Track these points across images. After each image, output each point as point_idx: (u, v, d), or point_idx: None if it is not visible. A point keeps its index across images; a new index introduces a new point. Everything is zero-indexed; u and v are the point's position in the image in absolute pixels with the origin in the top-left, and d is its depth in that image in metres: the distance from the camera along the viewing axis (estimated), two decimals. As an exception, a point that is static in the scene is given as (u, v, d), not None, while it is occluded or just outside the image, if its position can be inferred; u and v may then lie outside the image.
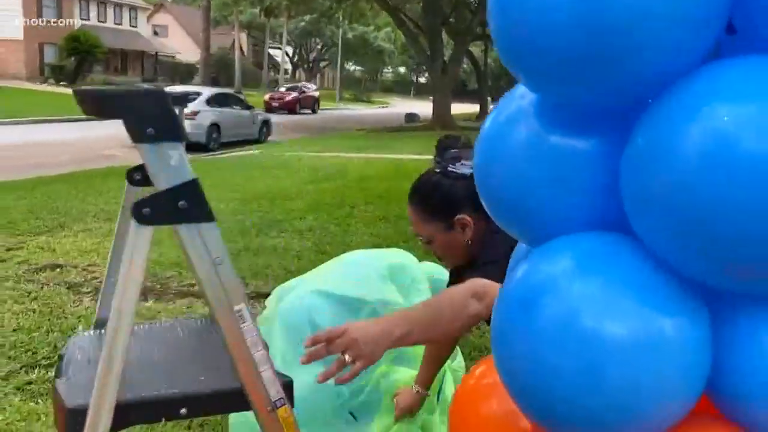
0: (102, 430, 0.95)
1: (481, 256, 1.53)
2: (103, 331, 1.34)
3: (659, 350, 0.62)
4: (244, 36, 48.25)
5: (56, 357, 3.03)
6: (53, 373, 1.24)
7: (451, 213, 1.59)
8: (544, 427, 0.70)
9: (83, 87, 1.15)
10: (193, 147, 13.02)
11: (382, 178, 9.60)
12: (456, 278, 1.64)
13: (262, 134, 17.37)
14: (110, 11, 38.99)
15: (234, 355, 1.01)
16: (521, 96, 0.77)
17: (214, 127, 14.99)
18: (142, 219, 0.92)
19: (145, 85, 0.94)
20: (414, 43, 24.12)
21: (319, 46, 54.69)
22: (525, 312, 0.67)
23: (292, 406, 1.06)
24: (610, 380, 0.62)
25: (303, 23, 42.52)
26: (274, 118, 19.30)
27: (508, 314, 0.69)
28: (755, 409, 0.63)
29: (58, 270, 4.38)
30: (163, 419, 1.06)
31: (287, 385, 1.06)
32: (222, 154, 13.94)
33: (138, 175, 1.26)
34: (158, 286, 4.26)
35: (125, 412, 0.98)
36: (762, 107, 0.55)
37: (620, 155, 0.66)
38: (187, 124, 12.94)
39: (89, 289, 4.07)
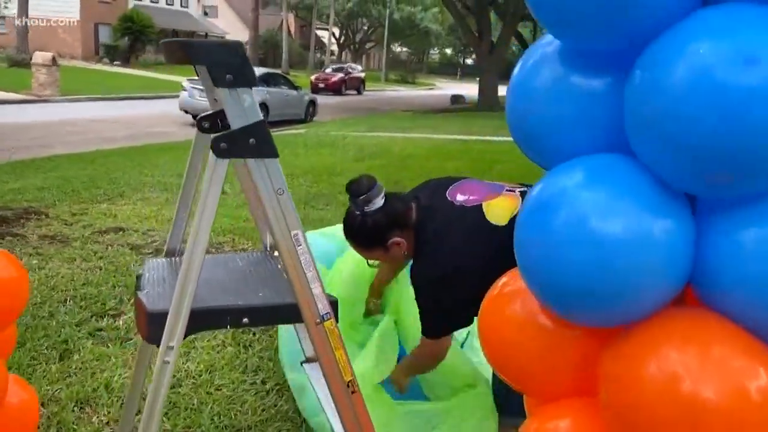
0: (179, 331, 1.13)
1: (418, 255, 1.90)
2: (171, 258, 1.53)
3: (651, 246, 0.75)
4: (291, 17, 48.57)
5: (121, 308, 3.29)
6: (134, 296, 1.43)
7: (383, 240, 1.89)
8: (560, 313, 0.84)
9: (172, 39, 1.34)
10: (241, 125, 13.33)
11: (426, 157, 9.72)
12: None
13: (308, 114, 17.63)
14: (161, -9, 39.80)
15: (289, 274, 1.17)
16: (546, 44, 0.91)
17: (262, 106, 15.29)
18: (219, 153, 1.09)
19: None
20: (461, 23, 23.94)
21: (365, 27, 54.66)
22: (543, 217, 0.81)
23: (337, 321, 1.22)
24: (612, 271, 0.76)
25: (350, 4, 42.57)
26: (320, 99, 19.54)
27: (529, 221, 0.84)
28: (727, 297, 0.76)
29: (120, 233, 4.67)
30: (228, 326, 1.24)
31: (333, 303, 1.22)
32: (274, 131, 14.22)
33: (206, 123, 1.44)
34: (215, 250, 4.50)
35: (197, 319, 1.15)
36: (733, 44, 0.67)
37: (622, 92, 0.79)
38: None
39: (150, 251, 4.33)
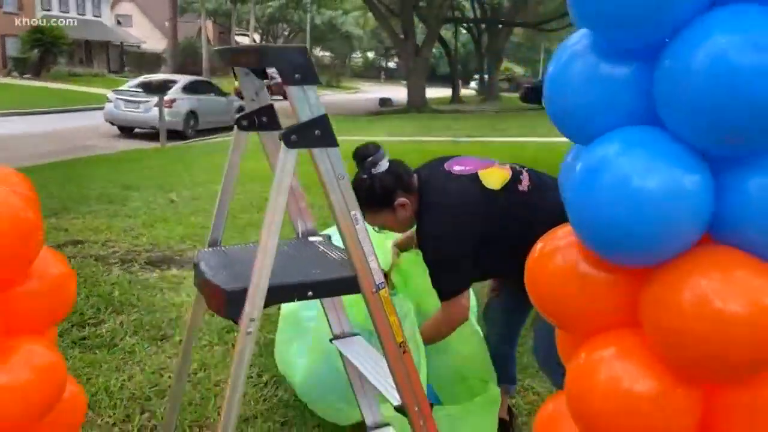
0: (258, 305, 1.26)
1: (422, 216, 2.04)
2: (217, 247, 1.65)
3: (682, 197, 0.95)
4: (209, 24, 47.73)
5: (101, 317, 3.29)
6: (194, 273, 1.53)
7: (390, 201, 2.02)
8: (609, 257, 1.04)
9: (244, 45, 1.46)
10: (170, 135, 13.12)
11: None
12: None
13: (238, 121, 17.47)
14: (72, 1, 38.30)
15: (349, 248, 1.33)
16: (574, 44, 1.11)
17: (191, 114, 15.06)
18: (289, 144, 1.23)
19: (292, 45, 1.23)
20: (386, 25, 24.27)
21: (286, 32, 54.40)
22: (591, 180, 1.00)
23: (390, 288, 1.38)
24: (651, 219, 0.96)
25: (270, 9, 42.26)
26: (249, 105, 19.37)
27: (579, 184, 1.03)
28: (741, 234, 0.98)
29: (79, 246, 4.61)
30: (296, 299, 1.37)
31: (385, 274, 1.38)
32: (203, 140, 14.05)
33: (245, 122, 1.57)
34: (178, 257, 4.53)
35: (272, 294, 1.28)
36: (742, 36, 0.89)
37: (649, 78, 1.00)
38: (165, 113, 13.03)
39: (115, 260, 4.32)
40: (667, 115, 0.98)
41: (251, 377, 2.82)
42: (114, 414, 2.50)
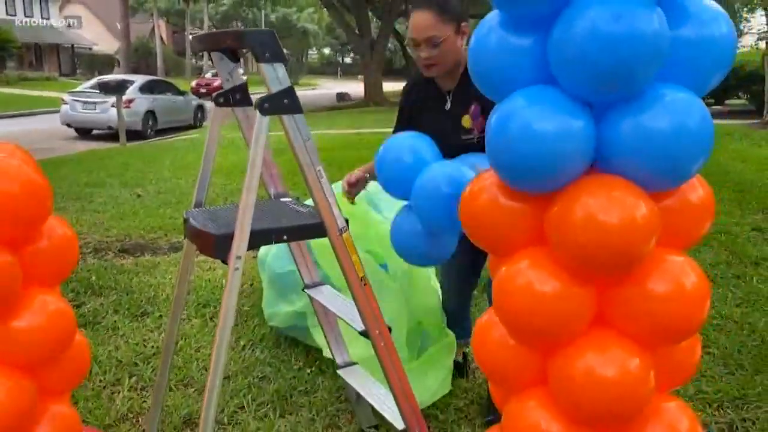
0: (243, 246, 1.53)
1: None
2: (201, 208, 1.90)
3: (571, 136, 1.25)
4: (162, 23, 47.16)
5: (81, 299, 3.49)
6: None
7: (459, 19, 2.01)
8: (516, 186, 1.34)
9: (220, 30, 1.71)
10: (129, 135, 13.13)
11: (330, 149, 10.15)
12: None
13: (197, 120, 17.52)
14: (19, 3, 37.45)
15: (315, 197, 1.60)
16: (489, 20, 1.40)
17: (150, 114, 15.08)
18: (263, 111, 1.49)
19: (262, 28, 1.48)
20: (341, 21, 24.44)
21: (241, 31, 53.98)
22: (503, 124, 1.30)
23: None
24: (549, 154, 1.26)
25: (224, 7, 41.98)
26: (207, 104, 19.43)
27: (495, 129, 1.32)
28: (617, 163, 1.29)
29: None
30: (273, 242, 1.63)
31: (346, 220, 1.65)
32: (163, 139, 14.07)
33: (221, 99, 1.82)
34: (151, 244, 4.72)
35: (253, 237, 1.55)
36: (603, 10, 1.19)
37: (545, 46, 1.30)
38: (124, 113, 13.04)
39: (89, 250, 4.50)
40: (558, 74, 1.28)
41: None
42: (105, 378, 2.72)
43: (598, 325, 1.39)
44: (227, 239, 1.53)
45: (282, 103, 1.50)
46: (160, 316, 3.40)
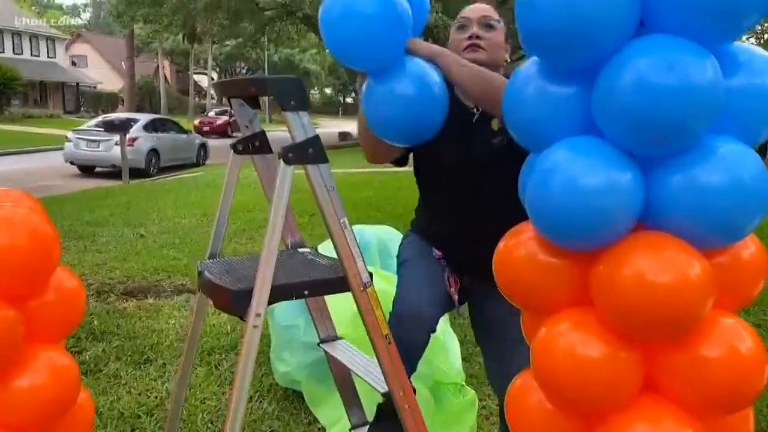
0: (263, 302, 1.44)
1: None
2: (216, 258, 1.81)
3: (616, 191, 1.18)
4: (166, 63, 47.79)
5: (82, 345, 3.37)
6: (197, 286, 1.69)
7: (507, 29, 1.94)
8: (562, 243, 1.25)
9: (243, 77, 1.64)
10: (132, 173, 13.12)
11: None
12: None
13: (200, 158, 17.54)
14: (26, 43, 37.99)
15: (339, 250, 1.51)
16: (527, 68, 1.34)
17: (153, 152, 15.09)
18: (287, 161, 1.42)
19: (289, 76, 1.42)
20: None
21: (244, 70, 54.73)
22: (544, 181, 1.22)
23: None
24: (592, 210, 1.18)
25: (228, 48, 42.57)
26: (210, 142, 19.48)
27: (536, 184, 1.24)
28: (666, 221, 1.20)
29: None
30: (294, 297, 1.54)
31: (370, 274, 1.57)
32: (166, 177, 14.05)
33: (240, 147, 1.75)
34: (154, 287, 4.62)
35: (272, 292, 1.46)
36: (654, 60, 1.12)
37: (588, 96, 1.23)
38: (127, 151, 13.06)
39: (90, 293, 4.39)
40: (603, 126, 1.20)
41: (236, 394, 2.94)
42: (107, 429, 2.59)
43: (647, 392, 1.29)
44: (246, 295, 1.44)
45: (307, 153, 1.43)
46: (164, 363, 3.28)
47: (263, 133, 1.74)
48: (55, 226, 1.58)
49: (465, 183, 1.95)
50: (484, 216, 1.93)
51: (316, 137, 1.44)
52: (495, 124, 1.90)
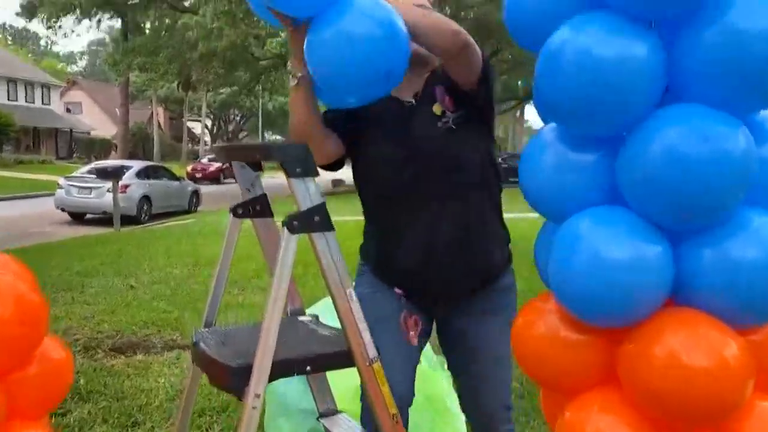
0: (263, 381, 1.34)
1: None
2: (212, 327, 1.71)
3: (645, 266, 1.10)
4: (161, 110, 48.16)
5: (66, 407, 3.22)
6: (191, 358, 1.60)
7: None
8: (587, 320, 1.17)
9: (247, 143, 1.57)
10: (123, 220, 13.01)
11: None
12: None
13: (192, 204, 17.48)
14: (21, 90, 38.24)
15: (344, 324, 1.42)
16: (545, 134, 1.28)
17: (145, 199, 15.03)
18: (292, 229, 1.34)
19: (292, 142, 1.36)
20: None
21: (237, 117, 55.22)
22: (567, 255, 1.15)
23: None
24: (619, 286, 1.11)
25: (222, 95, 43.03)
26: (203, 189, 19.42)
27: (557, 259, 1.17)
28: (698, 298, 1.13)
29: (40, 335, 4.51)
30: (295, 374, 1.44)
31: (377, 349, 1.48)
32: (158, 224, 13.94)
33: (240, 210, 1.68)
34: (143, 342, 4.47)
35: (273, 369, 1.36)
36: (686, 130, 1.07)
37: (611, 164, 1.17)
38: (119, 198, 12.97)
39: (77, 348, 4.24)
40: (630, 197, 1.14)
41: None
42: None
43: (680, 483, 1.19)
44: (245, 372, 1.34)
45: (312, 221, 1.35)
46: (153, 427, 3.13)
47: (265, 196, 1.67)
48: (42, 293, 1.49)
49: (421, 183, 1.74)
50: (452, 221, 1.74)
51: (323, 205, 1.37)
52: (437, 109, 1.78)
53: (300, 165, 1.33)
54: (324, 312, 2.22)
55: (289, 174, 1.33)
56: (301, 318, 1.77)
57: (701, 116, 1.07)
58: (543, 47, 1.15)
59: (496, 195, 1.85)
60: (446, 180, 1.74)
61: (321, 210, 1.37)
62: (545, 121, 1.28)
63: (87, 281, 6.61)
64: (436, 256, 1.75)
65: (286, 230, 1.34)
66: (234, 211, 1.67)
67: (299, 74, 1.59)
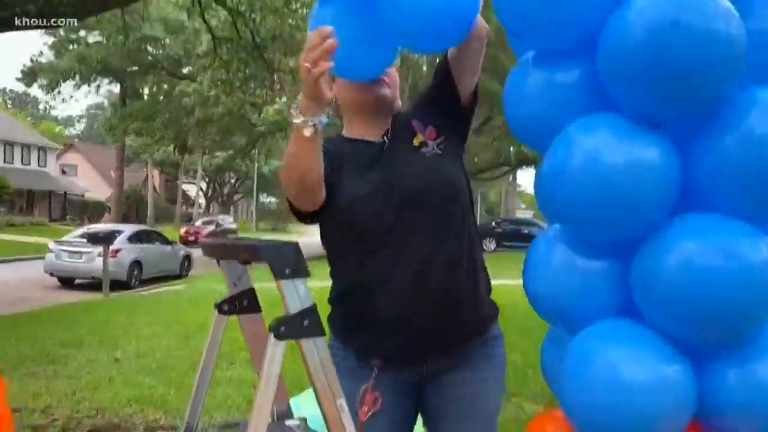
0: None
1: None
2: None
3: (668, 386, 1.01)
4: (156, 173, 48.46)
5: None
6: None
7: None
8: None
9: (240, 241, 1.46)
10: (113, 285, 12.81)
11: (322, 303, 9.83)
12: None
13: (183, 269, 17.30)
14: (17, 152, 38.48)
15: (334, 436, 1.31)
16: (550, 236, 1.21)
17: (136, 264, 14.87)
18: (279, 335, 1.24)
19: (281, 239, 1.28)
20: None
21: (233, 180, 55.54)
22: (579, 370, 1.06)
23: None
24: (638, 407, 1.01)
25: (218, 159, 43.41)
26: (193, 253, 19.25)
27: (569, 374, 1.08)
28: (724, 420, 1.03)
29: (17, 414, 4.30)
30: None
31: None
32: (148, 290, 13.74)
33: (225, 306, 1.58)
34: (124, 424, 4.27)
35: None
36: (707, 242, 0.99)
37: (625, 271, 1.09)
38: (109, 262, 12.80)
39: (55, 429, 4.04)
40: (646, 310, 1.06)
41: None
42: None
43: None
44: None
45: (301, 326, 1.26)
46: None
47: (253, 291, 1.58)
48: (9, 408, 1.37)
49: (406, 220, 1.63)
50: (441, 261, 1.61)
51: (313, 307, 1.28)
52: (417, 140, 1.73)
53: (289, 266, 1.25)
54: (309, 402, 2.10)
55: (278, 275, 1.24)
56: (289, 422, 1.64)
57: (721, 228, 1.00)
58: (548, 150, 1.08)
59: (476, 228, 1.77)
60: (435, 212, 1.65)
61: (311, 314, 1.27)
62: (550, 222, 1.21)
63: (71, 353, 6.40)
64: (424, 302, 1.61)
65: (272, 336, 1.25)
66: (219, 307, 1.57)
67: (317, 119, 1.49)
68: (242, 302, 1.57)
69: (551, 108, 1.15)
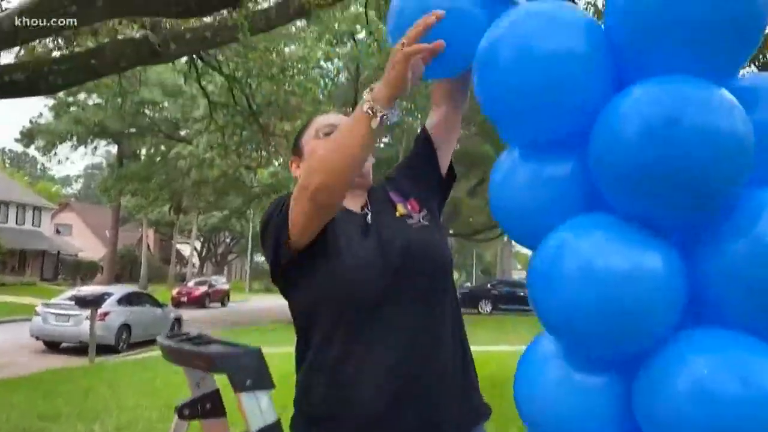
0: None
1: None
2: None
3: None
4: (151, 233, 48.35)
5: None
6: None
7: None
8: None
9: (196, 348, 1.30)
10: (100, 349, 12.49)
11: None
12: None
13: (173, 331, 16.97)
14: (12, 212, 38.40)
15: None
16: (549, 354, 1.08)
17: (124, 327, 14.56)
18: (238, 456, 1.10)
19: (243, 347, 1.15)
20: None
21: (228, 240, 55.38)
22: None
23: None
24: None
25: (213, 219, 43.40)
26: (185, 314, 18.91)
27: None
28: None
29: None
30: None
31: None
32: (135, 354, 13.40)
33: (187, 411, 1.43)
34: None
35: None
36: (712, 363, 0.87)
37: (626, 389, 0.96)
38: (97, 326, 12.52)
39: None
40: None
41: None
42: None
43: None
44: None
45: (263, 445, 1.12)
46: None
47: (217, 392, 1.44)
48: None
49: (400, 289, 1.49)
50: (440, 334, 1.48)
51: (276, 423, 1.14)
52: (401, 210, 1.63)
53: (251, 376, 1.12)
54: None
55: (237, 388, 1.11)
56: None
57: (733, 346, 0.87)
58: (537, 251, 0.97)
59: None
60: (429, 282, 1.53)
61: (274, 429, 1.13)
62: (546, 328, 1.09)
63: (47, 427, 6.12)
64: (420, 386, 1.42)
65: (230, 457, 1.10)
66: (180, 411, 1.42)
67: (389, 111, 1.36)
68: (205, 406, 1.42)
69: (540, 203, 1.05)
